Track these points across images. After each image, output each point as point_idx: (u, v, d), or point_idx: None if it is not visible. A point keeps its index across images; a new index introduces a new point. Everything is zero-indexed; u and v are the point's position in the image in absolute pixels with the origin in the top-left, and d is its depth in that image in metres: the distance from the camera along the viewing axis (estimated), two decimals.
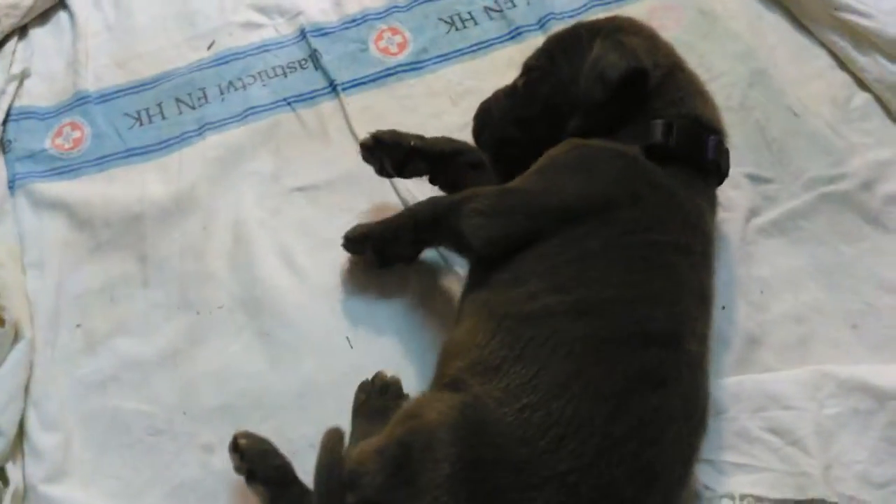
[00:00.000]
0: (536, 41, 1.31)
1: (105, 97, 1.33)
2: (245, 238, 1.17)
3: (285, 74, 1.35)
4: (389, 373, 1.03)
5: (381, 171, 1.17)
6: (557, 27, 1.33)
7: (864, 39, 1.25)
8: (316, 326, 1.09)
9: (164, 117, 1.31)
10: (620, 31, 1.05)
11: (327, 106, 1.31)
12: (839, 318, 1.06)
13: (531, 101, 1.08)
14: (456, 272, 1.12)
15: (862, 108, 1.24)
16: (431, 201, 1.06)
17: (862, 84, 1.26)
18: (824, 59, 1.30)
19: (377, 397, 1.01)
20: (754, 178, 1.18)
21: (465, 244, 0.98)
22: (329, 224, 1.18)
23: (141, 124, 1.30)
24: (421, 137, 1.15)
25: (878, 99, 1.24)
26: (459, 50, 1.37)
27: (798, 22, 1.34)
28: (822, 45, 1.31)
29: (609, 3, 1.40)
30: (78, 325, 1.11)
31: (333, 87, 1.32)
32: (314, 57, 1.36)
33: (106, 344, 1.10)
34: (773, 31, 1.34)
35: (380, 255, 1.11)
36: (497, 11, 1.41)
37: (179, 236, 1.17)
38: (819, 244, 1.12)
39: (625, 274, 0.88)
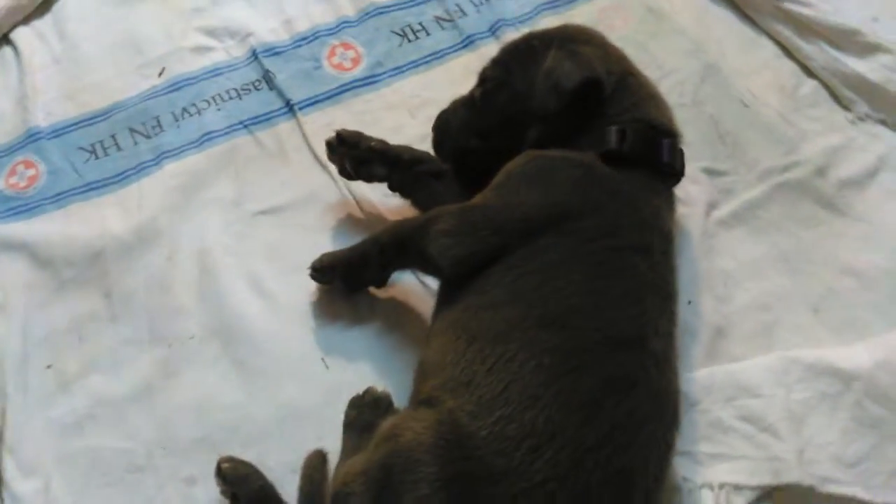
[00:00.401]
0: (489, 49, 1.34)
1: (57, 132, 1.31)
2: (211, 266, 1.16)
3: (240, 97, 1.34)
4: (380, 387, 1.03)
5: (343, 172, 1.18)
6: (509, 33, 1.36)
7: (808, 28, 1.29)
8: (290, 351, 1.09)
9: (119, 149, 1.29)
10: (573, 40, 1.07)
11: (285, 126, 1.31)
12: (801, 303, 1.08)
13: (489, 112, 1.10)
14: (427, 287, 1.12)
15: (810, 96, 1.27)
16: (395, 226, 1.07)
17: (808, 72, 1.30)
18: (770, 49, 1.33)
19: (369, 412, 1.01)
20: (711, 172, 1.20)
21: (434, 266, 0.99)
22: (297, 246, 1.17)
23: (96, 157, 1.28)
24: (383, 142, 1.17)
25: (825, 85, 1.27)
26: (413, 62, 1.37)
27: (743, 13, 1.38)
28: (768, 35, 1.34)
29: (558, 6, 1.42)
30: (48, 366, 1.10)
31: (290, 107, 1.32)
32: (267, 77, 1.35)
33: (78, 383, 1.08)
34: (719, 24, 1.37)
35: (348, 282, 1.11)
36: (448, 21, 1.41)
37: (144, 269, 1.16)
38: (778, 232, 1.14)
39: (586, 282, 0.89)
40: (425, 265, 1.02)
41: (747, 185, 1.19)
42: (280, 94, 1.34)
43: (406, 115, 1.31)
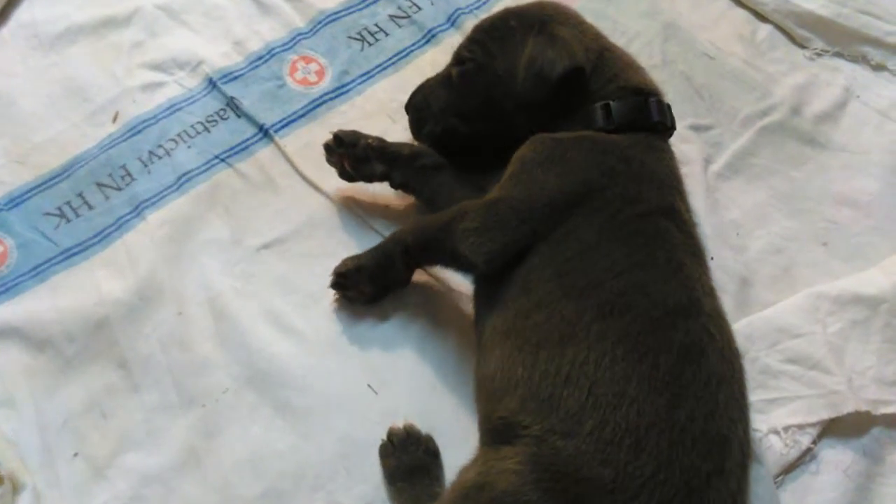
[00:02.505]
0: (453, 40, 1.33)
1: (15, 201, 1.20)
2: (226, 312, 1.11)
3: (208, 130, 1.27)
4: (400, 422, 1.01)
5: (343, 173, 1.16)
6: (469, 22, 1.34)
7: None
8: (333, 384, 1.05)
9: (90, 207, 1.20)
10: (550, 20, 1.07)
11: (264, 153, 1.25)
12: (809, 240, 1.14)
13: (469, 94, 1.10)
14: (454, 286, 1.11)
15: (768, 40, 1.33)
16: (418, 226, 1.06)
17: (761, 17, 1.35)
18: (722, 1, 1.37)
19: (406, 455, 0.99)
20: (697, 128, 1.24)
21: (468, 263, 0.99)
22: (308, 275, 1.13)
23: (67, 221, 1.19)
24: (381, 139, 1.15)
25: (780, 28, 1.33)
26: (380, 65, 1.33)
27: None
28: None
29: None
30: (75, 454, 1.02)
31: (264, 132, 1.26)
32: (232, 105, 1.29)
33: (113, 465, 1.01)
34: None
35: (375, 284, 1.09)
36: (404, 18, 1.38)
37: (155, 330, 1.09)
38: (771, 175, 1.20)
39: (628, 257, 0.90)
40: (457, 263, 1.02)
41: (733, 134, 1.23)
42: (250, 119, 1.27)
43: (387, 121, 1.28)
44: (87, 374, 1.07)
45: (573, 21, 1.10)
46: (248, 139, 1.26)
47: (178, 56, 1.34)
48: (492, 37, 1.10)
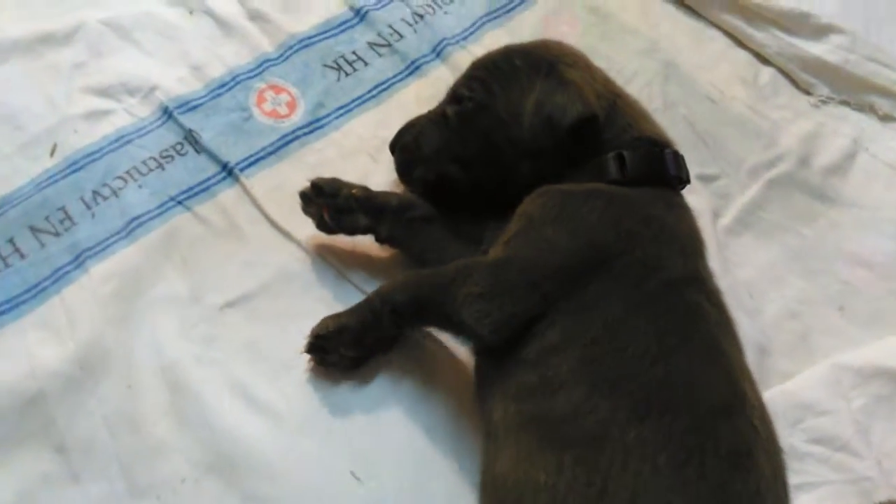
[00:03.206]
0: (439, 73, 1.22)
1: None
2: (184, 384, 0.95)
3: (162, 167, 1.12)
4: None
5: (321, 225, 1.04)
6: (456, 54, 1.24)
7: (757, 16, 1.27)
8: (311, 471, 0.91)
9: (22, 256, 1.03)
10: (558, 62, 0.99)
11: (228, 195, 1.10)
12: (825, 303, 1.08)
13: (467, 137, 1.00)
14: (447, 347, 0.99)
15: (770, 84, 1.26)
16: (410, 282, 0.94)
17: (763, 59, 1.29)
18: (721, 40, 1.31)
19: None
20: (704, 178, 1.16)
21: (471, 333, 0.89)
22: (280, 338, 0.99)
23: None
24: (365, 188, 1.03)
25: (782, 71, 1.27)
26: (359, 98, 1.20)
27: (685, 6, 1.34)
28: (716, 26, 1.31)
29: (498, 17, 1.31)
30: None
31: (228, 171, 1.11)
32: (191, 138, 1.14)
33: None
34: (665, 19, 1.33)
35: (359, 347, 0.96)
36: (384, 46, 1.26)
37: (100, 407, 0.93)
38: (782, 232, 1.13)
39: (660, 339, 0.80)
40: (457, 330, 0.91)
41: (741, 186, 1.16)
42: (211, 156, 1.12)
43: (368, 161, 1.15)
44: (17, 460, 0.90)
45: (582, 63, 1.02)
46: (209, 179, 1.11)
47: (127, 80, 1.18)
48: (494, 75, 1.00)
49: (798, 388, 0.98)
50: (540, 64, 0.98)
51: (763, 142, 1.20)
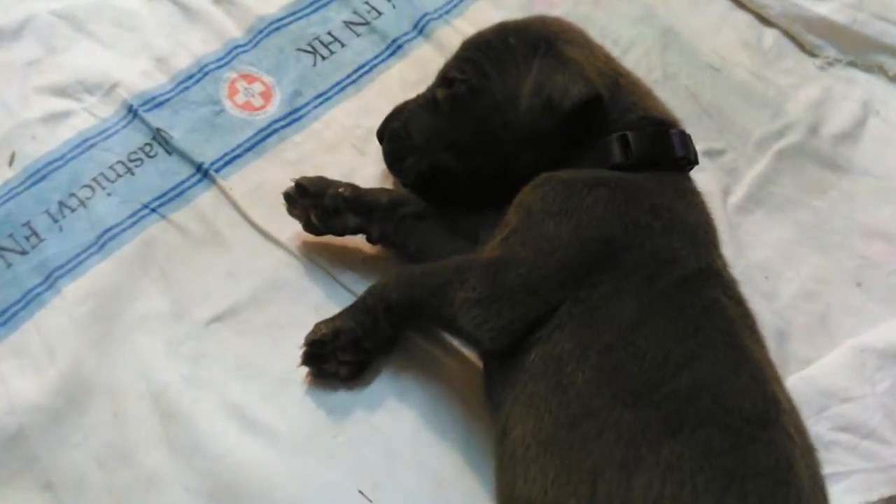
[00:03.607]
0: (423, 52, 1.14)
1: None
2: (175, 408, 0.89)
3: (131, 172, 1.03)
4: None
5: (308, 226, 0.97)
6: (440, 29, 1.16)
7: None
8: (316, 492, 0.86)
9: None
10: (556, 39, 0.92)
11: (205, 199, 1.02)
12: (843, 281, 1.03)
13: (460, 122, 0.94)
14: (451, 348, 0.93)
15: (775, 48, 1.19)
16: (403, 279, 0.88)
17: (765, 20, 1.21)
18: (721, 2, 1.23)
19: None
20: (710, 154, 1.10)
21: (469, 339, 0.85)
22: (274, 351, 0.93)
23: None
24: (353, 186, 0.97)
25: (787, 33, 1.20)
26: (338, 83, 1.12)
27: None
28: None
29: None
30: None
31: (203, 172, 1.03)
32: (160, 138, 1.05)
33: None
34: None
35: (357, 351, 0.90)
36: (362, 24, 1.17)
37: (86, 439, 0.86)
38: (794, 207, 1.07)
39: (682, 343, 0.75)
40: (455, 334, 0.88)
41: (749, 160, 1.10)
42: (183, 156, 1.04)
43: (353, 154, 1.07)
44: (4, 499, 0.84)
45: (582, 40, 0.95)
46: (182, 182, 1.03)
47: (85, 77, 1.09)
48: (487, 55, 0.93)
49: (820, 374, 0.93)
50: (537, 42, 0.91)
51: (770, 111, 1.13)
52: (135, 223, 1.00)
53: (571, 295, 0.79)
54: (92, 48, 1.11)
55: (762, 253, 1.03)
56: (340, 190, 0.94)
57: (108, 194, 1.01)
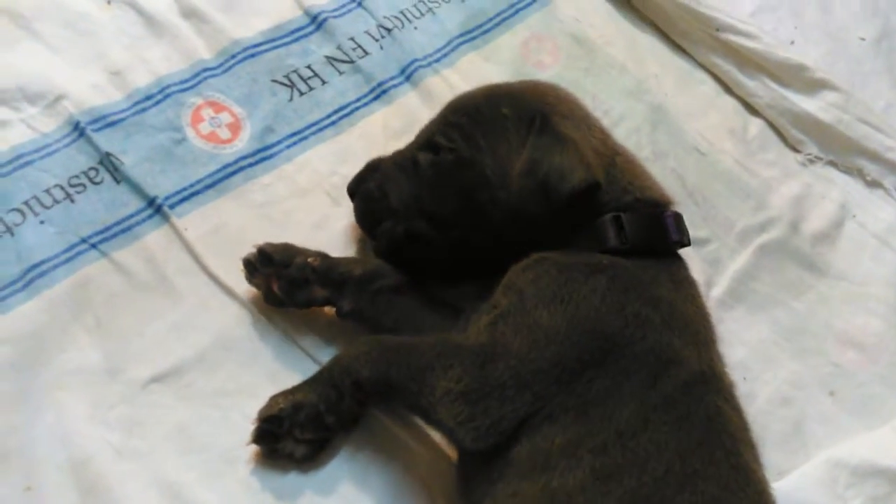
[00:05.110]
0: (408, 99, 1.07)
1: None
2: (98, 483, 0.77)
3: (70, 199, 0.91)
4: None
5: (270, 297, 0.87)
6: (428, 78, 1.09)
7: (750, 62, 1.18)
8: None
9: None
10: (552, 112, 0.87)
11: (155, 238, 0.91)
12: (817, 388, 1.02)
13: (444, 192, 0.87)
14: (420, 430, 0.85)
15: (759, 138, 1.19)
16: (376, 353, 0.80)
17: (751, 108, 1.21)
18: (710, 85, 1.22)
19: None
20: (695, 242, 1.03)
21: (448, 434, 0.78)
22: (220, 425, 0.83)
23: None
24: (324, 255, 0.88)
25: (772, 125, 1.19)
26: (315, 123, 1.03)
27: (673, 43, 1.24)
28: (704, 68, 1.22)
29: (475, 38, 1.15)
30: None
31: (155, 207, 0.92)
32: (108, 163, 0.93)
33: None
34: (651, 57, 1.22)
35: (317, 429, 0.80)
36: (346, 62, 1.08)
37: None
38: (775, 305, 1.06)
39: (684, 458, 0.71)
40: (434, 426, 0.80)
41: (731, 251, 1.08)
42: (134, 187, 0.92)
43: (327, 202, 0.98)
44: None
45: (578, 113, 0.91)
46: (130, 216, 0.91)
47: (26, 84, 0.96)
48: (477, 123, 0.87)
49: (793, 489, 0.91)
50: (532, 114, 0.86)
51: (753, 202, 1.12)
52: (70, 259, 0.87)
53: (566, 390, 0.74)
54: (37, 51, 0.98)
55: (741, 352, 1.01)
56: (310, 260, 0.85)
57: (41, 222, 0.88)
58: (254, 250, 0.86)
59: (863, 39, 1.30)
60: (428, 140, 0.89)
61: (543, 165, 0.82)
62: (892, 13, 1.34)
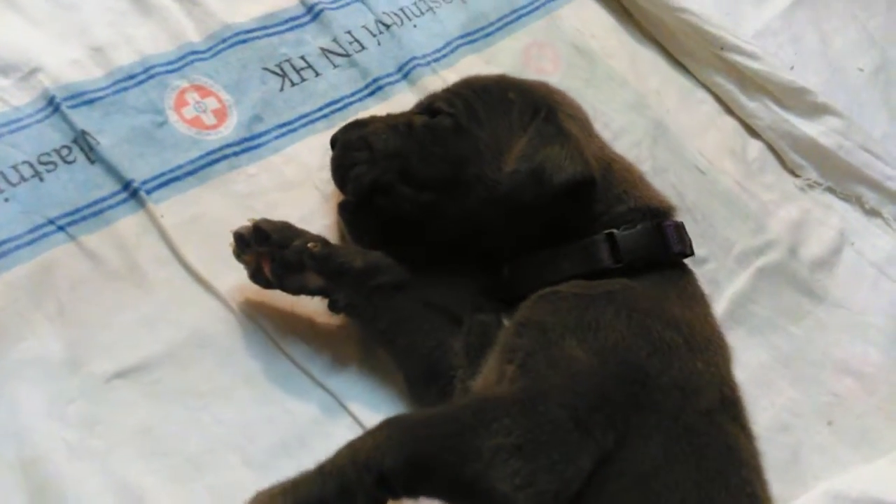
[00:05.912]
0: (406, 98, 1.03)
1: None
2: (50, 483, 0.70)
3: (39, 177, 0.84)
4: None
5: (257, 277, 0.81)
6: (426, 77, 1.06)
7: (752, 83, 1.17)
8: None
9: None
10: (559, 109, 0.84)
11: (128, 223, 0.85)
12: (815, 417, 0.99)
13: (432, 157, 0.83)
14: None
15: (759, 160, 1.17)
16: (398, 435, 0.64)
17: (750, 129, 1.19)
18: (710, 104, 1.20)
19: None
20: (693, 261, 1.03)
21: None
22: (188, 426, 0.77)
23: None
24: (324, 241, 0.82)
25: (771, 147, 1.17)
26: (306, 115, 0.98)
27: (674, 60, 1.22)
28: (705, 87, 1.20)
29: (475, 41, 1.12)
30: None
31: (131, 192, 0.86)
32: (83, 142, 0.87)
33: None
34: (652, 73, 1.20)
35: None
36: (341, 56, 1.03)
37: None
38: (773, 330, 1.03)
39: (703, 487, 0.67)
40: (485, 501, 0.63)
41: (729, 273, 1.05)
42: (109, 169, 0.86)
43: (315, 197, 0.93)
44: None
45: (582, 117, 0.89)
46: (103, 199, 0.85)
47: (1, 54, 0.89)
48: (482, 99, 0.85)
49: None
50: (538, 105, 0.83)
51: (752, 224, 1.10)
52: (34, 241, 0.81)
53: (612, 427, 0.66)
54: (13, 21, 0.92)
55: (740, 374, 0.95)
56: (310, 245, 0.79)
57: (6, 199, 0.82)
58: (248, 224, 0.80)
59: (861, 70, 1.29)
60: (428, 105, 0.87)
61: (542, 152, 0.78)
62: (888, 46, 1.34)
